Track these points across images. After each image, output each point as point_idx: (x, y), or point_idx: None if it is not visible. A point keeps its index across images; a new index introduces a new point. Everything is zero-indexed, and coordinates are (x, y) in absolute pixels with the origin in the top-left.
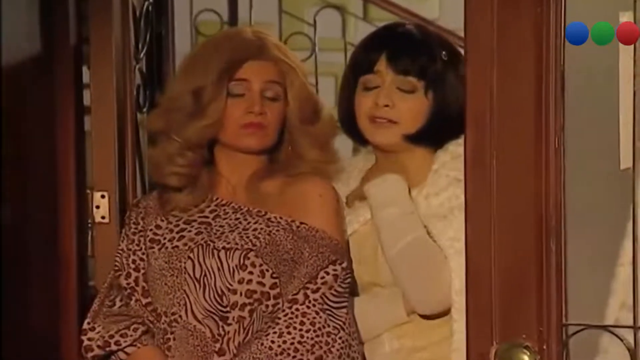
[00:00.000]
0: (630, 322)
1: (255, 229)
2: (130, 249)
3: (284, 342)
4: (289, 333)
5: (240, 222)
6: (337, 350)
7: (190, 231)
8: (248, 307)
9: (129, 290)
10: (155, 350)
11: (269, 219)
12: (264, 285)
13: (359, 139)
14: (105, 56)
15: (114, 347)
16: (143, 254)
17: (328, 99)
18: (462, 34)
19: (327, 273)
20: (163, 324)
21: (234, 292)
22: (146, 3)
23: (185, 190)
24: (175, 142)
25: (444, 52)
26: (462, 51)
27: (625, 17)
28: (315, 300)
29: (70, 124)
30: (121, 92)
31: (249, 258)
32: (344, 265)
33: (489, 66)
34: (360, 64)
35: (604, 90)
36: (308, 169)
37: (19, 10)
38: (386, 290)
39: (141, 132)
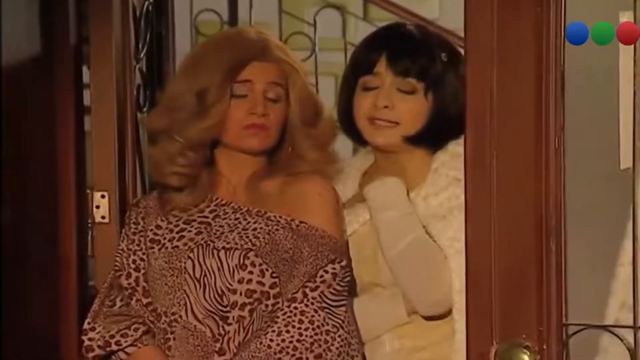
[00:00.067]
0: (630, 322)
1: (254, 229)
2: (130, 249)
3: (283, 340)
4: (287, 332)
5: (240, 222)
6: (337, 348)
7: (190, 231)
8: (248, 307)
9: (129, 290)
10: (155, 350)
11: (268, 219)
12: (263, 284)
13: (358, 140)
14: (105, 56)
15: (114, 347)
16: (143, 254)
17: (328, 99)
18: (462, 34)
19: (326, 272)
20: (163, 323)
21: (234, 291)
22: (146, 3)
23: (186, 191)
24: (177, 142)
25: (443, 54)
26: (462, 52)
27: (625, 17)
28: (314, 298)
29: (70, 124)
30: (121, 92)
31: (248, 258)
32: (343, 264)
33: (489, 66)
34: (360, 64)
35: (604, 90)
36: (308, 169)
37: (19, 10)
38: (387, 291)
39: (141, 132)
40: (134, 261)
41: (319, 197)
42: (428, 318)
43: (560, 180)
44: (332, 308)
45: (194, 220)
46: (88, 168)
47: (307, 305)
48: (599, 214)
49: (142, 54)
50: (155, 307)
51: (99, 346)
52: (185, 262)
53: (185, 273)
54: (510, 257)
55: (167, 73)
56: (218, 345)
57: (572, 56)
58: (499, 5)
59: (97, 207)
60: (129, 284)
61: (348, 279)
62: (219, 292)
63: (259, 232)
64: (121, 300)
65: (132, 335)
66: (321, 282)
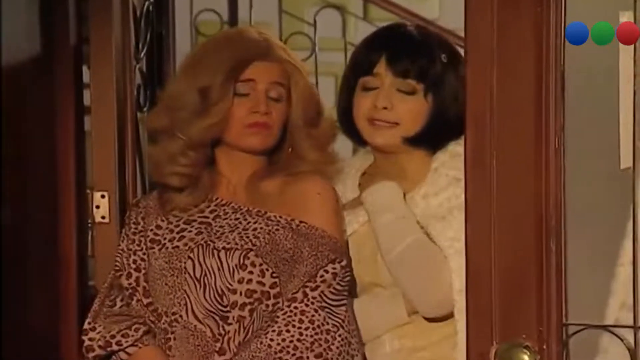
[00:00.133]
0: (630, 322)
1: (255, 229)
2: (130, 249)
3: (283, 340)
4: (287, 331)
5: (240, 222)
6: (337, 348)
7: (190, 231)
8: (248, 307)
9: (130, 291)
10: (156, 350)
11: (268, 219)
12: (264, 284)
13: (358, 140)
14: (105, 56)
15: (115, 347)
16: (144, 254)
17: (328, 99)
18: (462, 34)
19: (327, 271)
20: (164, 323)
21: (234, 291)
22: (146, 3)
23: (186, 191)
24: (179, 141)
25: (443, 55)
26: (462, 52)
27: (625, 17)
28: (314, 298)
29: (70, 124)
30: (121, 91)
31: (248, 258)
32: (343, 263)
33: (489, 66)
34: (360, 65)
35: (604, 90)
36: (308, 169)
37: (19, 10)
38: (387, 291)
39: (141, 131)
40: (134, 261)
41: (318, 197)
42: (430, 319)
43: (560, 180)
44: (332, 308)
45: (194, 221)
46: (88, 168)
47: (307, 305)
48: (599, 214)
49: (142, 54)
50: (156, 307)
51: (99, 346)
52: (185, 262)
53: (185, 273)
54: (510, 257)
55: (167, 73)
56: (218, 345)
57: (572, 56)
58: (499, 5)
59: (97, 207)
60: (130, 284)
61: (348, 278)
62: (219, 292)
63: (259, 232)
64: (121, 301)
65: (132, 336)
66: (321, 281)
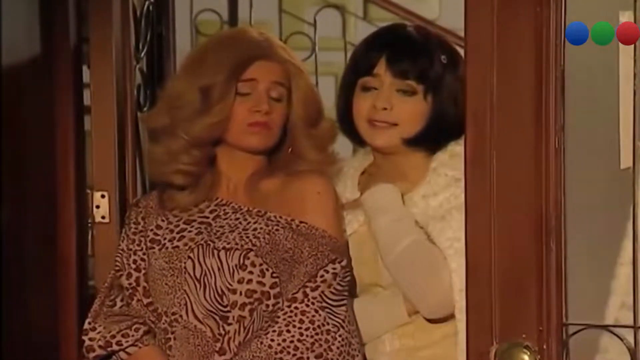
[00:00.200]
0: (630, 322)
1: (255, 229)
2: (130, 249)
3: (284, 340)
4: (288, 331)
5: (240, 222)
6: (337, 348)
7: (190, 231)
8: (248, 307)
9: (130, 291)
10: (156, 350)
11: (268, 219)
12: (264, 284)
13: (358, 140)
14: (106, 56)
15: (115, 347)
16: (144, 254)
17: (328, 99)
18: (462, 34)
19: (327, 271)
20: (164, 323)
21: (234, 291)
22: (146, 3)
23: (187, 190)
24: (181, 140)
25: (443, 56)
26: (462, 53)
27: (625, 17)
28: (314, 298)
29: (70, 124)
30: (121, 91)
31: (248, 258)
32: (343, 263)
33: (489, 66)
34: (360, 65)
35: (604, 90)
36: (308, 169)
37: (19, 10)
38: (387, 291)
39: (141, 131)
40: (134, 261)
41: (318, 197)
42: (432, 320)
43: (560, 180)
44: (332, 308)
45: (194, 220)
46: (88, 168)
47: (307, 305)
48: (599, 214)
49: (142, 54)
50: (156, 307)
51: (99, 346)
52: (185, 262)
53: (185, 273)
54: (510, 257)
55: (167, 73)
56: (218, 345)
57: (572, 56)
58: (499, 5)
59: (97, 207)
60: (130, 284)
61: (348, 278)
62: (219, 292)
63: (259, 232)
64: (122, 300)
65: (133, 335)
66: (321, 281)
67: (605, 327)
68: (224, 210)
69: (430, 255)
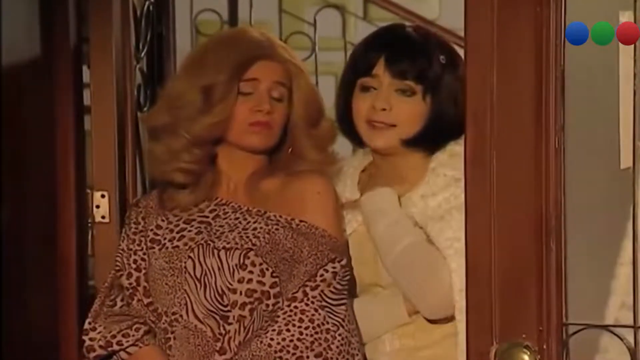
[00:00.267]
0: (630, 322)
1: (255, 229)
2: (131, 249)
3: (283, 339)
4: (288, 330)
5: (240, 222)
6: (337, 347)
7: (190, 231)
8: (248, 306)
9: (130, 290)
10: (157, 350)
11: (268, 218)
12: (264, 284)
13: (357, 141)
14: (106, 56)
15: (116, 347)
16: (144, 254)
17: (328, 99)
18: (462, 34)
19: (326, 271)
20: (164, 323)
21: (234, 291)
22: (147, 2)
23: (188, 189)
24: (182, 138)
25: (442, 56)
26: (461, 54)
27: (625, 17)
28: (314, 297)
29: (70, 123)
30: (121, 91)
31: (249, 257)
32: (343, 262)
33: (489, 66)
34: (359, 66)
35: (604, 90)
36: (308, 168)
37: (19, 10)
38: (387, 291)
39: (142, 131)
40: (134, 261)
41: (318, 196)
42: (433, 321)
43: (560, 180)
44: (332, 307)
45: (194, 220)
46: (88, 168)
47: (307, 305)
48: (599, 214)
49: (142, 54)
50: (156, 307)
51: (100, 346)
52: (185, 262)
53: (185, 273)
54: (510, 257)
55: (167, 72)
56: (219, 344)
57: (572, 56)
58: (499, 5)
59: (97, 206)
60: (130, 283)
61: (348, 277)
62: (220, 291)
63: (259, 232)
64: (122, 300)
65: (133, 335)
66: (321, 281)
67: (605, 327)
68: (224, 209)
69: (429, 256)
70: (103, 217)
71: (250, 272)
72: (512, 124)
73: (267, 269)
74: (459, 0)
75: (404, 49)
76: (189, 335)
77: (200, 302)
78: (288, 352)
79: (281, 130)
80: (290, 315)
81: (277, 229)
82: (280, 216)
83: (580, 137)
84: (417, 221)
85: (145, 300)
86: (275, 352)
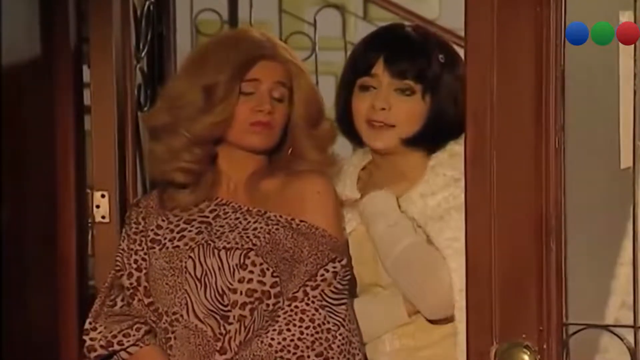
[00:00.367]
0: (631, 322)
1: (255, 229)
2: (131, 249)
3: (284, 339)
4: (288, 330)
5: (240, 222)
6: (338, 347)
7: (190, 231)
8: (249, 306)
9: (131, 290)
10: (157, 350)
11: (268, 218)
12: (264, 284)
13: (357, 141)
14: (106, 55)
15: (116, 347)
16: (145, 254)
17: (328, 99)
18: (462, 34)
19: (327, 270)
20: (164, 323)
21: (235, 291)
22: (147, 2)
23: (188, 189)
24: (183, 138)
25: (441, 55)
26: (460, 53)
27: (625, 17)
28: (314, 297)
29: (70, 124)
30: (121, 91)
31: (249, 257)
32: (344, 262)
33: (489, 66)
34: (358, 65)
35: (604, 90)
36: (308, 168)
37: (19, 10)
38: (387, 291)
39: (142, 131)
40: (135, 261)
41: (318, 196)
42: (434, 321)
43: (560, 180)
44: (332, 307)
45: (195, 220)
46: (88, 168)
47: (307, 304)
48: (599, 214)
49: (143, 54)
50: (157, 307)
51: (101, 346)
52: (186, 262)
53: (186, 272)
54: (510, 256)
55: (168, 72)
56: (219, 344)
57: (572, 56)
58: (499, 5)
59: (97, 206)
60: (131, 283)
61: (348, 277)
62: (220, 291)
63: (259, 232)
64: (122, 300)
65: (134, 335)
66: (322, 280)
67: (606, 327)
68: (224, 209)
69: (429, 257)
70: (103, 217)
71: (251, 272)
72: (512, 124)
73: (268, 269)
74: (459, 0)
75: (404, 48)
76: (189, 335)
77: (201, 301)
78: (289, 351)
79: (282, 130)
80: (290, 315)
81: (277, 229)
82: (281, 216)
83: (580, 137)
84: (417, 220)
85: (146, 300)
86: (276, 351)
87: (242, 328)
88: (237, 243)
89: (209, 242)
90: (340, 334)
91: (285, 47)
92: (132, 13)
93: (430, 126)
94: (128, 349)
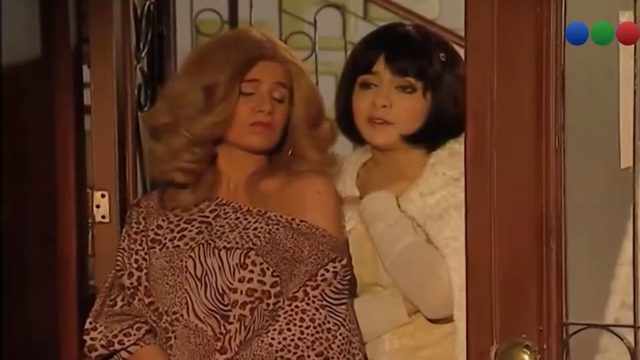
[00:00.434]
0: (631, 321)
1: (255, 228)
2: (132, 249)
3: (284, 338)
4: (289, 330)
5: (240, 222)
6: (338, 346)
7: (191, 230)
8: (249, 306)
9: (131, 290)
10: (158, 349)
11: (269, 218)
12: (264, 283)
13: (357, 139)
14: (106, 55)
15: (117, 347)
16: (145, 253)
17: (328, 99)
18: (462, 34)
19: (327, 270)
20: (164, 323)
21: (235, 290)
22: (147, 2)
23: (189, 189)
24: (183, 137)
25: (442, 54)
26: (460, 52)
27: (625, 17)
28: (314, 297)
29: (70, 123)
30: (122, 91)
31: (249, 257)
32: (344, 262)
33: (489, 66)
34: (359, 63)
35: (604, 90)
36: (308, 169)
37: (19, 10)
38: (387, 291)
39: (142, 131)
40: (136, 260)
41: (319, 196)
42: (434, 320)
43: (560, 180)
44: (333, 306)
45: (195, 220)
46: (88, 167)
47: (308, 304)
48: (599, 214)
49: (143, 54)
50: (157, 307)
51: (102, 345)
52: (186, 261)
53: (186, 272)
54: (510, 257)
55: (168, 72)
56: (219, 344)
57: (572, 56)
58: (499, 5)
59: (98, 206)
60: (131, 283)
61: (349, 277)
62: (220, 291)
63: (259, 232)
64: (122, 300)
65: (135, 335)
66: (322, 280)
67: (606, 327)
68: (224, 209)
69: (429, 256)
70: (103, 217)
71: (251, 271)
72: (512, 124)
73: (268, 269)
74: (459, 0)
75: (405, 46)
76: (189, 335)
77: (201, 301)
78: (289, 351)
79: (282, 130)
80: (291, 315)
81: (277, 229)
82: (281, 216)
83: (580, 137)
84: (416, 219)
85: (147, 300)
86: (277, 351)
87: (243, 328)
88: (237, 243)
89: (210, 241)
90: (340, 334)
91: (285, 47)
92: (132, 13)
93: (431, 124)
94: (129, 349)
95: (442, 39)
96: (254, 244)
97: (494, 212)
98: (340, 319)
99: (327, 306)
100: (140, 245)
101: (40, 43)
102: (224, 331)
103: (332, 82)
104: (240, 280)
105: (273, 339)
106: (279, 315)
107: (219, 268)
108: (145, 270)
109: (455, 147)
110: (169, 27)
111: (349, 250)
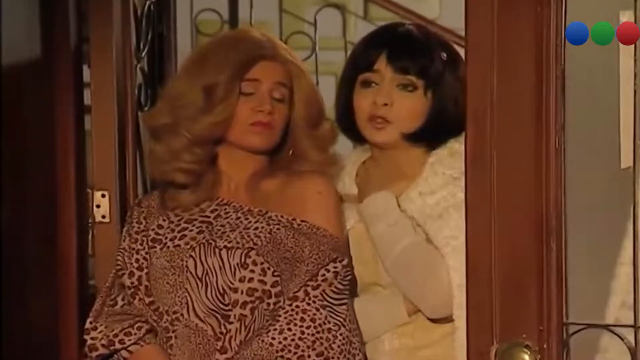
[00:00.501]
0: (631, 321)
1: (256, 228)
2: (133, 248)
3: (285, 338)
4: (289, 329)
5: (241, 222)
6: (338, 346)
7: (191, 230)
8: (249, 305)
9: (132, 289)
10: (158, 349)
11: (269, 218)
12: (265, 283)
13: (357, 137)
14: (106, 55)
15: (118, 346)
16: (146, 253)
17: (328, 98)
18: (462, 34)
19: (328, 270)
20: (165, 322)
21: (236, 290)
22: (147, 2)
23: (189, 189)
24: (183, 138)
25: (443, 53)
26: (460, 52)
27: (626, 17)
28: (315, 297)
29: (70, 123)
30: (122, 91)
31: (250, 257)
32: (345, 262)
33: (489, 66)
34: (360, 62)
35: (604, 90)
36: (309, 169)
37: (19, 10)
38: (387, 291)
39: (142, 131)
40: (136, 260)
41: (319, 196)
42: (435, 320)
43: (560, 180)
44: (333, 306)
45: (196, 220)
46: (88, 167)
47: (308, 304)
48: (599, 213)
49: (143, 54)
50: (158, 306)
51: (102, 345)
52: (186, 261)
53: (186, 272)
54: (510, 256)
55: (168, 72)
56: (220, 343)
57: (572, 56)
58: (499, 5)
59: (98, 206)
60: (132, 283)
61: (349, 277)
62: (221, 290)
63: (260, 232)
64: (123, 299)
65: (135, 334)
66: (322, 280)
67: (606, 327)
68: (225, 209)
69: (428, 256)
70: (103, 217)
71: (252, 271)
72: (512, 124)
73: (269, 268)
74: (459, 0)
75: (406, 44)
76: (190, 334)
77: (202, 301)
78: (289, 351)
79: (282, 130)
80: (291, 315)
81: (278, 229)
82: (282, 216)
83: (580, 137)
84: (416, 219)
85: (147, 300)
86: (277, 351)
87: (243, 327)
88: (238, 242)
89: (210, 241)
90: (340, 334)
91: (285, 47)
92: (133, 13)
93: (432, 122)
94: (129, 348)
95: (443, 38)
96: (255, 244)
97: (494, 212)
98: (341, 319)
99: (328, 306)
100: (141, 244)
101: (40, 43)
102: (224, 331)
103: (332, 82)
104: (240, 280)
105: (273, 338)
106: (280, 315)
107: (220, 268)
108: (145, 270)
109: (456, 147)
110: (169, 27)
111: (349, 250)
